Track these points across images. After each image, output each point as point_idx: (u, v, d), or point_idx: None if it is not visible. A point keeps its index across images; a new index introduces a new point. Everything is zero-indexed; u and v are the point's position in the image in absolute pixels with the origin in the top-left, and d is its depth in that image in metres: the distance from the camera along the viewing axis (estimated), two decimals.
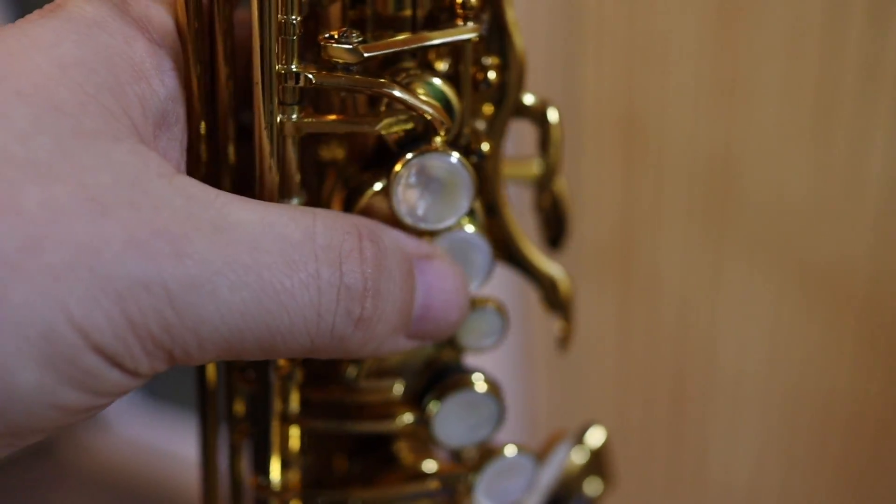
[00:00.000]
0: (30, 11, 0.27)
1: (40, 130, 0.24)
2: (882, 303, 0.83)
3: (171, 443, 1.42)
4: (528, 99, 0.33)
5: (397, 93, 0.28)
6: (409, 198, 0.29)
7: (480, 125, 0.32)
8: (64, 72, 0.25)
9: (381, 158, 0.31)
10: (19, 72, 0.25)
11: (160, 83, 0.28)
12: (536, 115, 0.34)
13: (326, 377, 0.33)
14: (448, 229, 0.31)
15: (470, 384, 0.33)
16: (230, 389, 0.34)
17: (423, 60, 0.31)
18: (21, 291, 0.23)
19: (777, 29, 0.76)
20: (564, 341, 0.37)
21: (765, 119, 0.80)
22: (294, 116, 0.28)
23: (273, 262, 0.25)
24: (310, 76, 0.27)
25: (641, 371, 0.96)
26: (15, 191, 0.23)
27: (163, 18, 0.28)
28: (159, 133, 0.28)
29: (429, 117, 0.28)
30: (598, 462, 0.42)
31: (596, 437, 0.42)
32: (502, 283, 0.36)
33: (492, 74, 0.31)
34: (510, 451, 0.35)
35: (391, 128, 0.29)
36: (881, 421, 0.87)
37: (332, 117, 0.29)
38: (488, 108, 0.32)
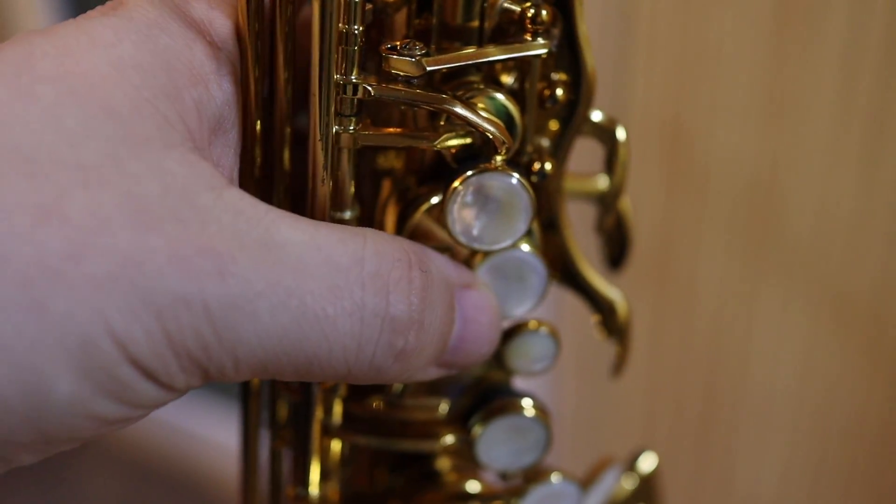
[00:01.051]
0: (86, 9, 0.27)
1: (91, 134, 0.23)
2: None
3: (199, 425, 1.41)
4: (596, 116, 0.32)
5: (459, 109, 0.27)
6: (465, 217, 0.28)
7: (545, 142, 0.31)
8: (121, 73, 0.25)
9: (438, 171, 0.30)
10: (76, 71, 0.24)
11: (218, 87, 0.27)
12: (604, 134, 0.33)
13: (371, 391, 0.33)
14: (502, 250, 0.30)
15: (518, 409, 0.32)
16: (273, 395, 0.34)
17: (488, 74, 0.30)
18: (63, 300, 0.22)
19: (833, 47, 0.74)
20: (618, 367, 0.36)
21: (813, 138, 0.78)
22: (351, 128, 0.27)
23: (317, 287, 0.25)
24: (369, 88, 0.27)
25: (672, 380, 0.95)
26: (62, 195, 0.23)
27: (223, 22, 0.27)
28: (214, 139, 0.27)
29: (490, 136, 0.27)
30: (648, 489, 0.41)
31: (647, 463, 0.40)
32: None
33: (559, 91, 0.30)
34: (556, 477, 0.34)
35: (449, 142, 0.28)
36: None
37: (390, 130, 0.28)
38: (553, 125, 0.31)
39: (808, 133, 0.78)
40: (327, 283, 0.25)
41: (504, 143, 0.27)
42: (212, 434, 1.40)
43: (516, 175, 0.28)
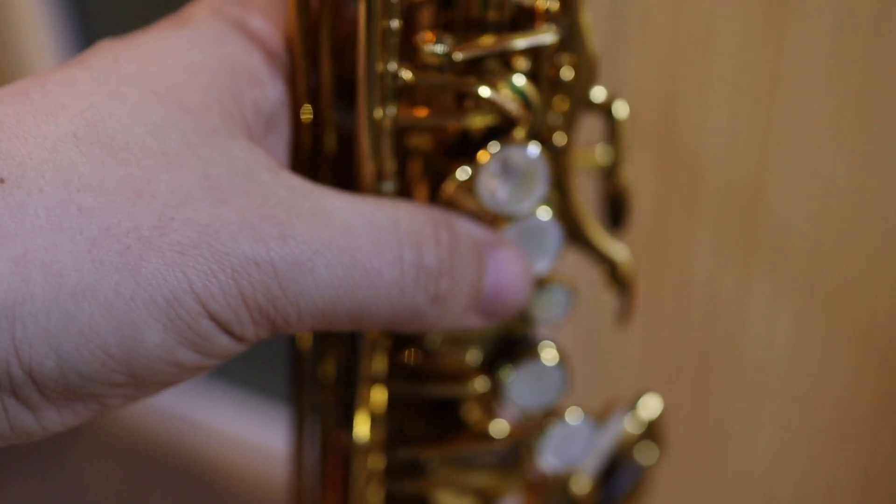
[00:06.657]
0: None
1: (171, 126, 0.28)
2: None
3: (198, 412, 1.42)
4: (600, 94, 0.36)
5: (486, 92, 0.31)
6: (491, 185, 0.33)
7: (555, 119, 0.35)
8: (193, 76, 0.29)
9: (464, 147, 0.34)
10: (156, 74, 0.29)
11: (273, 89, 0.32)
12: (605, 110, 0.37)
13: (408, 343, 0.37)
14: (524, 215, 0.34)
15: (541, 353, 0.37)
16: (321, 353, 0.38)
17: (504, 59, 0.34)
18: (153, 264, 0.27)
19: (824, 28, 0.75)
20: (622, 317, 0.40)
21: (805, 121, 0.79)
22: (392, 112, 0.31)
23: (363, 244, 0.29)
24: (409, 75, 0.31)
25: (666, 354, 0.96)
26: (150, 178, 0.27)
27: (276, 33, 0.32)
28: (268, 133, 0.32)
29: (512, 114, 0.31)
30: (653, 429, 0.45)
31: (651, 405, 0.45)
32: None
33: (566, 72, 0.34)
34: (572, 415, 0.38)
35: (477, 122, 0.32)
36: None
37: (424, 112, 0.32)
38: (563, 104, 0.35)
39: (800, 114, 0.79)
40: (371, 240, 0.29)
41: (524, 119, 0.32)
42: (211, 420, 1.41)
43: (536, 147, 0.32)
